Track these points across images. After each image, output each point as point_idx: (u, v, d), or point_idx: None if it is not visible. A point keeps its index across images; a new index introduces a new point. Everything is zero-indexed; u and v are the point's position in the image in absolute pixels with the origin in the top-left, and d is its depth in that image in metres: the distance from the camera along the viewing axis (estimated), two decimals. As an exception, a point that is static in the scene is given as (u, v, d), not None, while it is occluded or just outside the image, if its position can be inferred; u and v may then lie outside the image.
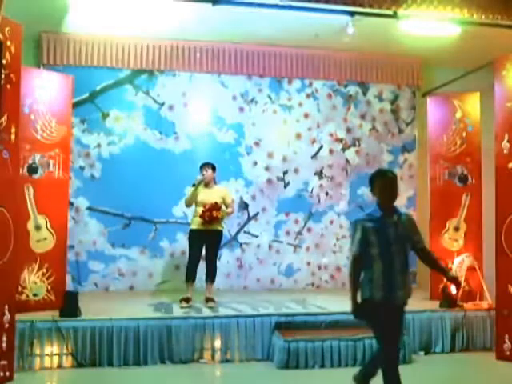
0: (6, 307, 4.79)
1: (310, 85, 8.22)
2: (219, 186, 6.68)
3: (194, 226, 6.32)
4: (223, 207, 6.26)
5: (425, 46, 7.36)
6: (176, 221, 7.61)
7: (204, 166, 6.39)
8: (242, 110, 8.03)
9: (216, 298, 6.33)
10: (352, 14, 6.16)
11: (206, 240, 6.27)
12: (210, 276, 6.32)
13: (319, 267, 8.14)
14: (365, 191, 8.34)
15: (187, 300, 6.23)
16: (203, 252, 6.34)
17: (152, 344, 5.48)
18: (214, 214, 6.10)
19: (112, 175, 7.53)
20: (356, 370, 4.25)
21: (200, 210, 6.17)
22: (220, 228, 6.34)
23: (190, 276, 6.30)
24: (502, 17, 6.06)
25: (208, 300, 6.24)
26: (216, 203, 6.14)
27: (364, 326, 4.28)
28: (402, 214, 3.94)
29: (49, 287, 6.01)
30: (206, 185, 6.35)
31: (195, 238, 6.29)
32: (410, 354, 5.63)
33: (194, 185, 6.28)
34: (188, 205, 6.41)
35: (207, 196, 6.24)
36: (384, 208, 3.85)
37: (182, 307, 6.12)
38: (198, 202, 6.27)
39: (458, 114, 7.06)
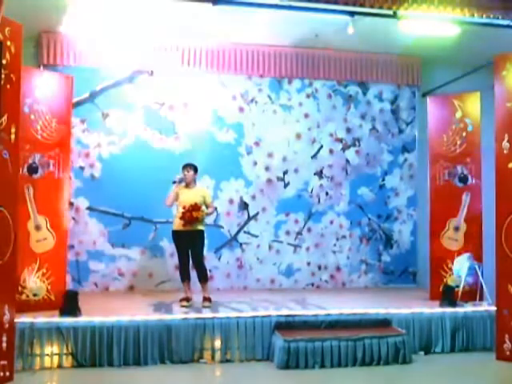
0: (6, 307, 4.79)
1: (310, 85, 8.22)
2: (199, 186, 6.68)
3: (175, 228, 6.34)
4: (203, 207, 6.29)
5: (425, 45, 7.37)
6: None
7: (186, 166, 6.42)
8: (241, 110, 8.03)
9: (212, 298, 6.35)
10: (352, 13, 6.17)
11: (189, 240, 6.28)
12: (201, 276, 6.36)
13: (319, 267, 8.15)
14: (365, 191, 8.36)
15: (187, 299, 6.30)
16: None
17: (152, 344, 5.47)
18: (194, 214, 6.13)
19: (112, 175, 7.53)
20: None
21: (181, 210, 6.19)
22: (201, 228, 6.34)
23: (184, 276, 6.37)
24: (502, 17, 6.06)
25: (204, 299, 6.29)
26: (195, 204, 6.17)
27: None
28: None
29: (49, 287, 6.01)
30: (187, 185, 6.38)
31: (178, 239, 6.34)
32: (409, 353, 5.63)
33: (174, 182, 6.31)
34: (169, 205, 6.43)
35: (188, 196, 6.27)
36: None
37: (182, 306, 6.17)
38: (180, 202, 6.29)
39: (458, 114, 7.06)
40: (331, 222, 8.23)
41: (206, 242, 6.52)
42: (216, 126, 7.94)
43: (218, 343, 5.61)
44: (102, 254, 7.51)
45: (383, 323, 5.91)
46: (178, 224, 6.27)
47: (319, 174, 8.23)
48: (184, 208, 6.14)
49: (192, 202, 6.17)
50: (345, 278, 8.24)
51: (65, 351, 5.33)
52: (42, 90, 6.02)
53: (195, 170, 6.45)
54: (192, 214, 6.13)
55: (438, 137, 7.15)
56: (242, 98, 8.03)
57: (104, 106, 7.62)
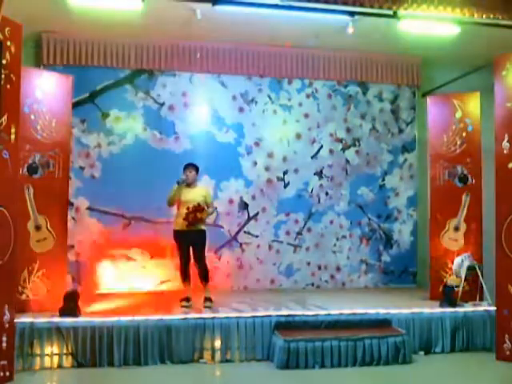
0: (6, 307, 4.79)
1: (310, 85, 8.22)
2: (201, 185, 6.68)
3: (177, 227, 6.33)
4: (205, 207, 6.29)
5: (425, 45, 7.38)
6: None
7: (188, 166, 6.42)
8: (241, 110, 8.03)
9: (213, 298, 6.35)
10: (352, 13, 6.17)
11: (191, 240, 6.28)
12: (203, 276, 6.35)
13: (319, 267, 8.15)
14: (365, 191, 8.36)
15: (187, 299, 6.29)
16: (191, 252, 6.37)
17: (152, 344, 5.48)
18: (198, 215, 6.13)
19: (112, 175, 7.53)
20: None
21: (183, 210, 6.18)
22: (203, 228, 6.33)
23: (185, 276, 6.37)
24: (502, 17, 6.07)
25: (205, 300, 6.29)
26: (199, 204, 6.17)
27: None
28: None
29: (49, 287, 6.01)
30: (189, 185, 6.38)
31: (180, 239, 6.32)
32: (409, 353, 5.63)
33: (178, 182, 6.31)
34: (170, 204, 6.42)
35: (190, 196, 6.27)
36: None
37: (182, 306, 6.17)
38: (182, 201, 6.28)
39: (458, 114, 7.06)
40: (331, 222, 8.24)
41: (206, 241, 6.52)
42: (216, 126, 7.94)
43: (218, 343, 5.62)
44: (102, 254, 7.51)
45: (383, 323, 5.91)
46: (180, 224, 6.25)
47: (319, 174, 8.23)
48: (188, 209, 6.13)
49: (195, 203, 6.17)
50: (345, 278, 8.24)
51: (65, 351, 5.34)
52: (42, 90, 6.03)
53: (197, 170, 6.45)
54: (196, 215, 6.12)
55: (438, 137, 7.15)
56: (241, 98, 8.03)
57: (104, 106, 7.62)
